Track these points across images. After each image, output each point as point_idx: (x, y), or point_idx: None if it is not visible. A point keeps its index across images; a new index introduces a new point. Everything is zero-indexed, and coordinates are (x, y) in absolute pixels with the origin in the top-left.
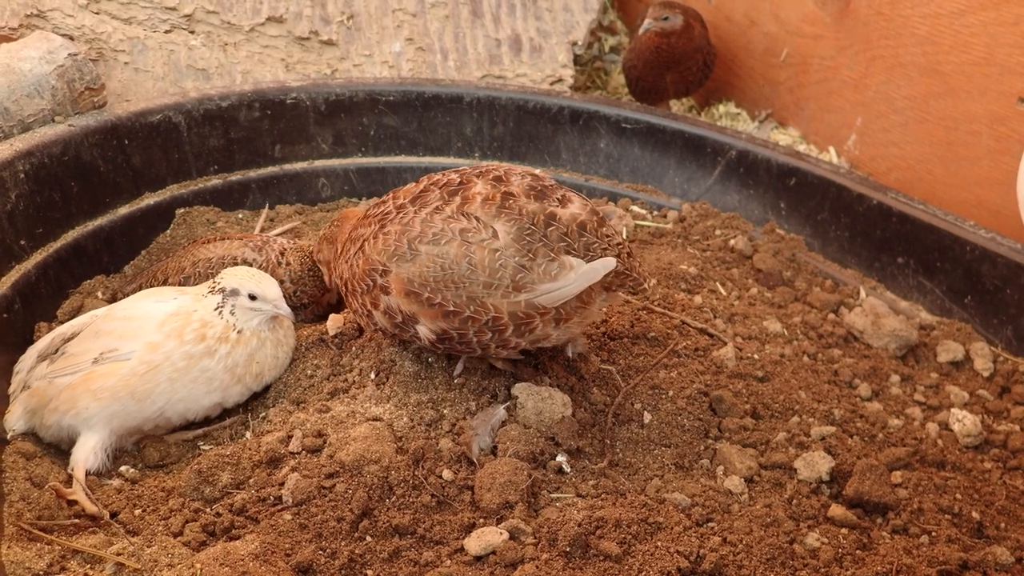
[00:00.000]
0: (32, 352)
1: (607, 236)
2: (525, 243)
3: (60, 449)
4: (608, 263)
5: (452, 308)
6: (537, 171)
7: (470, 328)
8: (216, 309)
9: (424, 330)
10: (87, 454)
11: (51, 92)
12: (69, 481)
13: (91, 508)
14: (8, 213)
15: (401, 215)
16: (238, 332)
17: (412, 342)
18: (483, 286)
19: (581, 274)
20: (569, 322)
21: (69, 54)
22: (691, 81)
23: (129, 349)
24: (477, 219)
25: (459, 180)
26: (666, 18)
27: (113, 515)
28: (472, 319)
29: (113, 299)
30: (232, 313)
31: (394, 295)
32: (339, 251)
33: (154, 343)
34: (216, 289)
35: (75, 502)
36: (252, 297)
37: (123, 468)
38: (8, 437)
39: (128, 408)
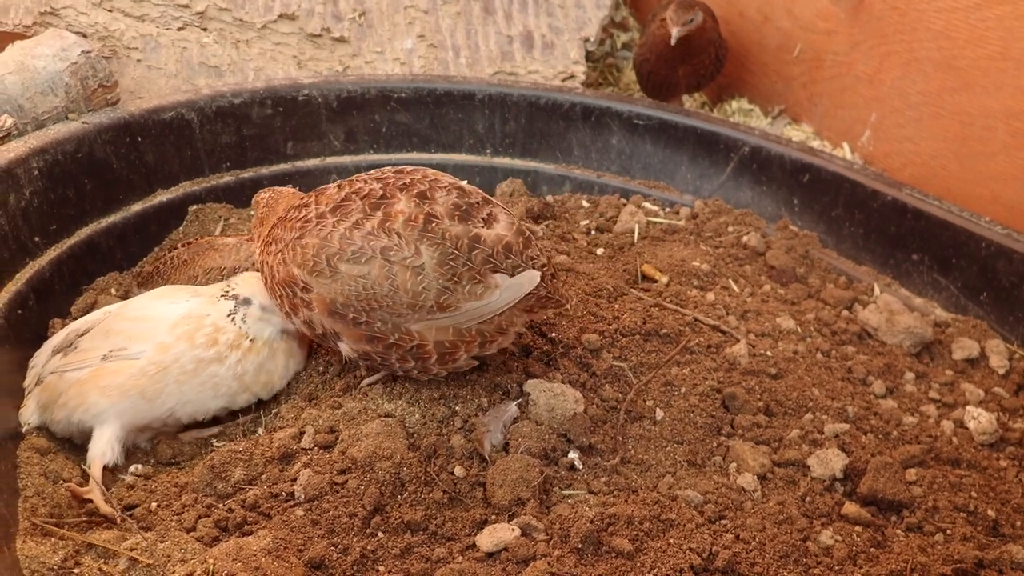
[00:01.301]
0: (47, 347)
1: (532, 258)
2: (448, 268)
3: (73, 444)
4: (532, 277)
5: (376, 334)
6: (464, 183)
7: (393, 354)
8: (228, 315)
9: (346, 348)
10: (103, 448)
11: (65, 89)
12: (85, 478)
13: (105, 509)
14: (23, 210)
15: (320, 226)
16: (250, 340)
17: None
18: (407, 307)
19: (506, 288)
20: (492, 346)
21: (82, 51)
22: (703, 75)
23: (138, 349)
24: (399, 235)
25: (381, 192)
26: (691, 20)
27: (129, 508)
28: (396, 346)
29: (126, 297)
30: (244, 321)
31: (316, 311)
32: (265, 239)
33: (165, 344)
34: (229, 295)
35: (90, 501)
36: (264, 308)
37: (134, 467)
38: (23, 431)
39: (138, 406)
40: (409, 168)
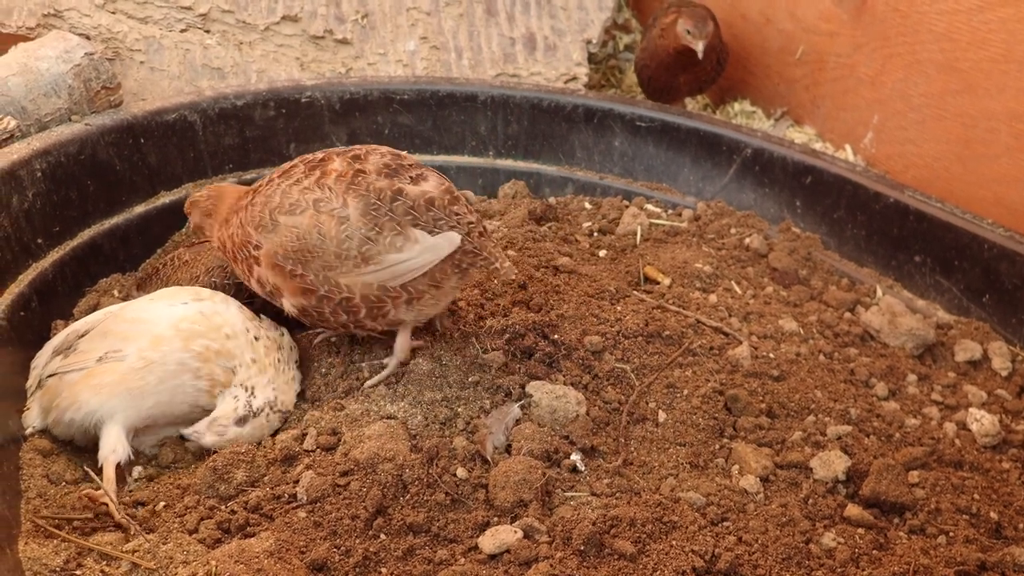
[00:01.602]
0: (48, 348)
1: (457, 214)
2: (371, 217)
3: (75, 446)
4: (452, 238)
5: (309, 285)
6: (403, 152)
7: (326, 307)
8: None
9: (287, 303)
10: (112, 446)
11: (68, 91)
12: (89, 480)
13: (118, 518)
14: (25, 211)
15: (268, 188)
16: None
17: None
18: (334, 256)
19: (426, 247)
20: (422, 302)
21: (86, 53)
22: (704, 80)
23: (133, 349)
24: (330, 189)
25: (322, 157)
26: (708, 32)
27: (134, 505)
28: (327, 298)
29: (128, 298)
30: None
31: (263, 267)
32: (223, 221)
33: (158, 338)
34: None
35: (105, 506)
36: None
37: (137, 470)
38: (26, 434)
39: (129, 402)
40: (365, 145)
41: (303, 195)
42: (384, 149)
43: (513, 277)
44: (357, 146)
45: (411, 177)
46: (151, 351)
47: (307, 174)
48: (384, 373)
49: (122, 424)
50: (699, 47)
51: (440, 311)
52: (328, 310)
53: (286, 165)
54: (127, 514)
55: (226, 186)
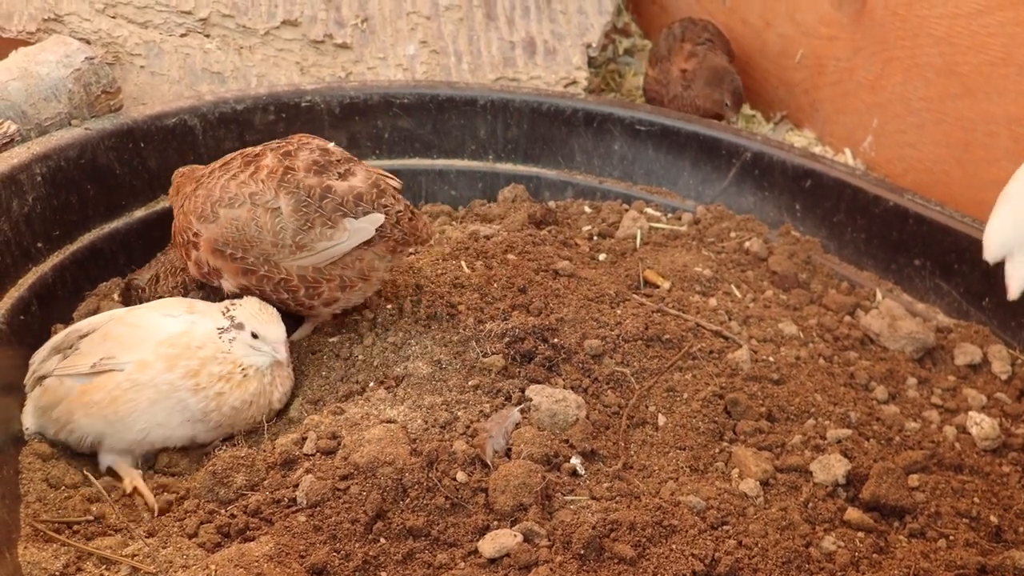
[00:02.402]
0: (48, 345)
1: (385, 205)
2: (302, 214)
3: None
4: (376, 219)
5: (249, 267)
6: (330, 146)
7: (266, 285)
8: (219, 331)
9: (227, 283)
10: (123, 473)
11: (68, 96)
12: (88, 483)
13: (151, 500)
14: (25, 216)
15: (210, 180)
16: (242, 372)
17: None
18: (271, 244)
19: (353, 231)
20: (354, 288)
21: (86, 58)
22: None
23: (126, 360)
24: (263, 183)
25: (257, 152)
26: (740, 96)
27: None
28: (267, 277)
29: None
30: (231, 341)
31: (203, 251)
32: (178, 204)
33: (145, 362)
34: (228, 315)
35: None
36: (254, 336)
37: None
38: (25, 437)
39: (114, 428)
40: (298, 136)
41: (240, 189)
42: (315, 143)
43: (432, 242)
44: (292, 138)
45: (339, 173)
46: (139, 374)
47: (243, 168)
48: (310, 324)
49: (115, 452)
50: (736, 120)
51: (376, 289)
52: (269, 288)
53: (226, 157)
54: (125, 515)
55: (199, 167)
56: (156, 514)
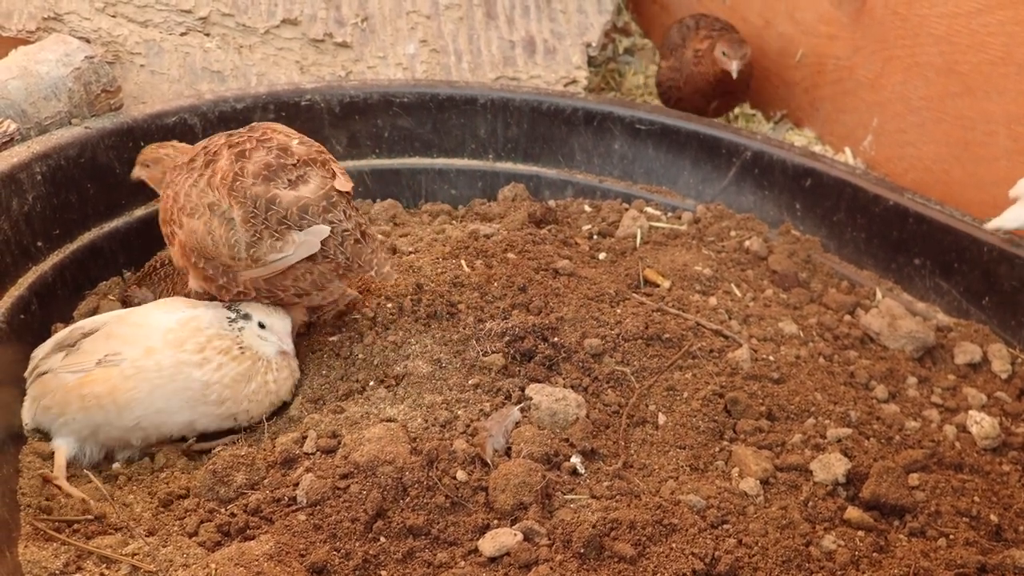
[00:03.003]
0: (51, 342)
1: (332, 221)
2: (251, 224)
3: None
4: (321, 230)
5: (209, 276)
6: (293, 144)
7: (225, 296)
8: (229, 321)
9: (192, 283)
10: (62, 463)
11: (68, 94)
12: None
13: (67, 489)
14: (25, 215)
15: (177, 178)
16: (240, 349)
17: None
18: (228, 258)
19: (299, 245)
20: (310, 297)
21: (86, 57)
22: (733, 104)
23: (130, 354)
24: (217, 191)
25: (215, 149)
26: (745, 54)
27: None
28: (225, 288)
29: (126, 295)
30: (240, 330)
31: (176, 249)
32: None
33: (151, 348)
34: (233, 308)
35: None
36: (261, 326)
37: (116, 464)
38: (25, 432)
39: (109, 419)
40: (263, 124)
41: (200, 199)
42: (276, 141)
43: (391, 282)
44: (256, 128)
45: (289, 180)
46: (144, 359)
47: (203, 170)
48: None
49: (76, 441)
50: (734, 67)
51: (333, 299)
52: (227, 297)
53: (197, 148)
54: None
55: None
56: (92, 514)
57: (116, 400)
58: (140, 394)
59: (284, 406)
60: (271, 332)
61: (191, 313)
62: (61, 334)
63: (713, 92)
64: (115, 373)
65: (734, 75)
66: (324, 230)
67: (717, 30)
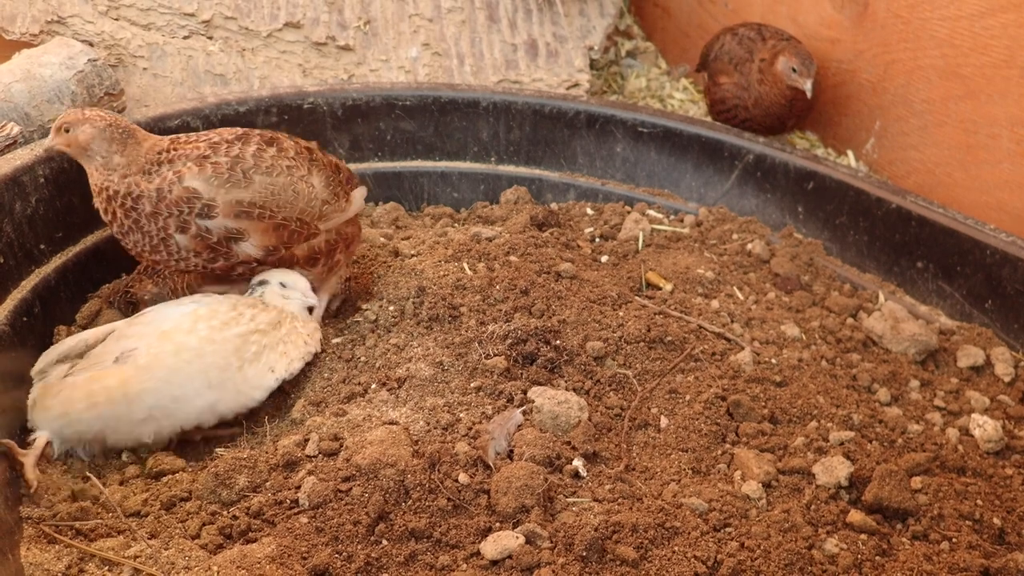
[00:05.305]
0: (53, 353)
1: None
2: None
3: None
4: (362, 191)
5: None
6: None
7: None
8: (249, 293)
9: (249, 246)
10: (39, 444)
11: (71, 97)
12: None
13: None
14: (28, 217)
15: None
16: (264, 305)
17: (185, 268)
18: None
19: (356, 200)
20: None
21: (89, 60)
22: (797, 124)
23: (144, 344)
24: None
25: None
26: (814, 68)
27: (135, 515)
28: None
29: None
30: (262, 295)
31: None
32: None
33: (165, 332)
34: (251, 283)
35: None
36: (282, 285)
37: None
38: (28, 439)
39: (118, 415)
40: (214, 136)
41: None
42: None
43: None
44: (210, 137)
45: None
46: (160, 344)
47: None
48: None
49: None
50: (808, 86)
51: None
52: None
53: (163, 147)
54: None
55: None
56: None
57: (127, 392)
58: (155, 382)
59: (286, 409)
60: (293, 289)
61: (207, 299)
62: (63, 347)
63: (786, 113)
64: (128, 365)
65: (808, 95)
66: (364, 190)
67: (787, 39)
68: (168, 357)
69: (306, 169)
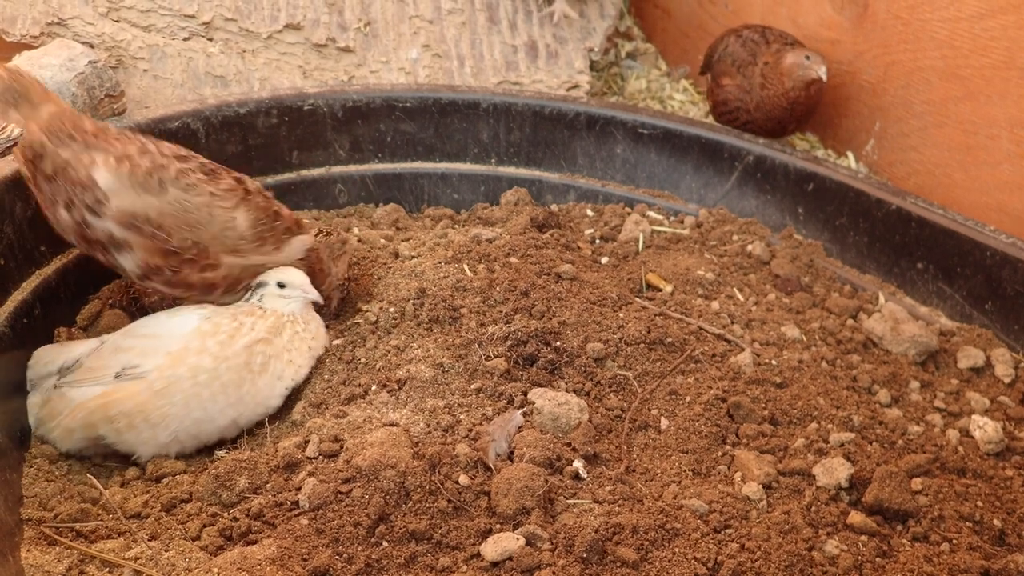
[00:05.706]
0: (43, 356)
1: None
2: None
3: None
4: (302, 241)
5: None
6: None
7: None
8: (247, 298)
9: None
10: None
11: (71, 99)
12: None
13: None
14: (29, 219)
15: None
16: (262, 311)
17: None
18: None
19: (289, 249)
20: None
21: (89, 61)
22: (798, 128)
23: (151, 365)
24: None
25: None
26: (823, 57)
27: (135, 516)
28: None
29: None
30: (260, 300)
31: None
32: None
33: (175, 353)
34: (251, 287)
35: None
36: (281, 285)
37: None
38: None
39: (143, 439)
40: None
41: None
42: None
43: None
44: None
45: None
46: (172, 369)
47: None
48: None
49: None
50: (822, 71)
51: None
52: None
53: (129, 151)
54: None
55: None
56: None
57: (148, 418)
58: (175, 407)
59: (287, 411)
60: (292, 287)
61: (205, 311)
62: (60, 360)
63: (788, 116)
64: (142, 388)
65: (823, 78)
66: (307, 239)
67: (791, 43)
68: (185, 382)
69: (233, 203)
